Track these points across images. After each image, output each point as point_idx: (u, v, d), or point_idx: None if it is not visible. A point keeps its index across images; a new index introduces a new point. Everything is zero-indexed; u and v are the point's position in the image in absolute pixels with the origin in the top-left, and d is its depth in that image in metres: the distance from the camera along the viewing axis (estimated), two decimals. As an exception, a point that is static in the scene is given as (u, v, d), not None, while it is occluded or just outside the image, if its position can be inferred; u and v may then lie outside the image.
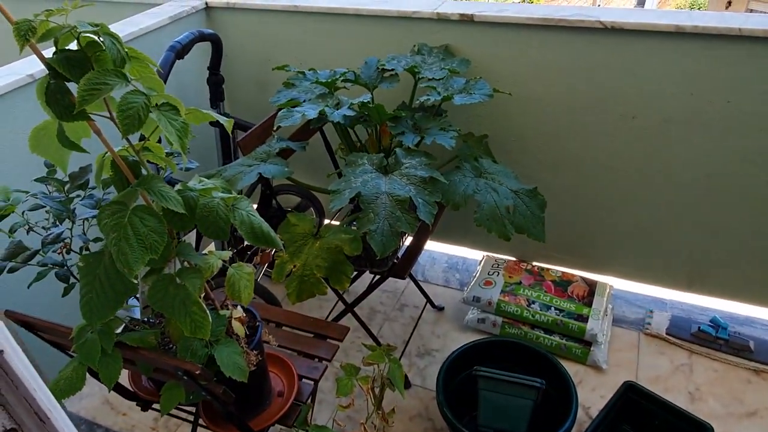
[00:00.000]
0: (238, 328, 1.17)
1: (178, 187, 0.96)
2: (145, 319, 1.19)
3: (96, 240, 1.20)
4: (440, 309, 2.35)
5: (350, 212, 1.90)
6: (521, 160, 2.14)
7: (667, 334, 2.15)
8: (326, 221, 1.85)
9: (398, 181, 1.47)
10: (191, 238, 1.27)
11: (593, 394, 1.94)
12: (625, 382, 1.78)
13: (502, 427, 1.48)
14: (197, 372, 0.96)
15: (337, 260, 1.55)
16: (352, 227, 1.72)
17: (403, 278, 1.79)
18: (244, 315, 1.25)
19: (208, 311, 0.96)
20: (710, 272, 2.11)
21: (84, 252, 1.14)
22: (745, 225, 1.97)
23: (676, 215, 2.05)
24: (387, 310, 2.38)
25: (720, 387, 1.94)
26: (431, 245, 2.72)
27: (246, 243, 2.28)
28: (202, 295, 1.00)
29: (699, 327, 2.12)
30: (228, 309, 1.22)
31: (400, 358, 2.08)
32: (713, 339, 2.08)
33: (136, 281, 0.89)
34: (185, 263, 1.03)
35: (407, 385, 2.01)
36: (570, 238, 2.26)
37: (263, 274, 2.21)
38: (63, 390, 0.97)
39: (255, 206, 2.48)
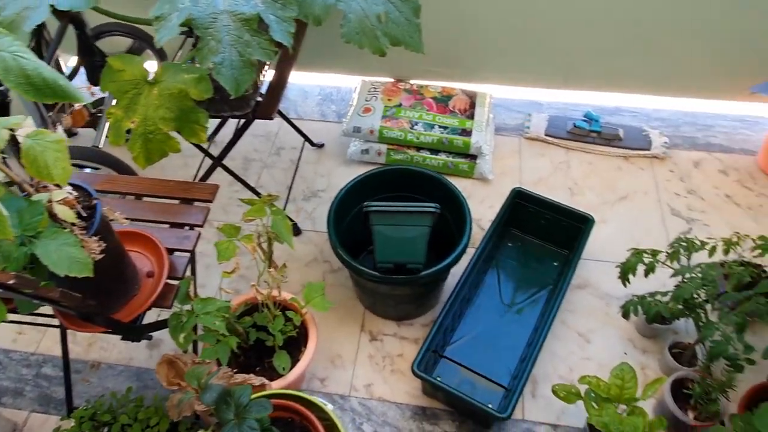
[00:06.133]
0: (65, 213, 0.91)
1: None
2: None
3: None
4: (320, 146, 2.17)
5: (193, 46, 1.55)
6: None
7: (545, 135, 2.16)
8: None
9: (240, -5, 1.15)
10: None
11: (482, 206, 1.95)
12: (513, 189, 1.79)
13: (401, 259, 1.42)
14: (10, 282, 0.72)
15: (184, 108, 1.25)
16: (195, 64, 1.40)
17: (271, 118, 1.55)
18: (72, 195, 0.98)
19: (-2, 202, 0.70)
20: (585, 65, 2.08)
21: None
22: (617, 14, 1.90)
23: (550, 9, 1.92)
24: (263, 156, 2.15)
25: (594, 178, 2.02)
26: (299, 77, 2.43)
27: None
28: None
29: (574, 123, 2.14)
30: (46, 192, 0.94)
31: (285, 206, 1.92)
32: (587, 133, 2.13)
33: None
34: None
35: (297, 231, 1.89)
36: (445, 47, 2.08)
37: (105, 137, 1.83)
38: None
39: (75, 58, 1.99)
